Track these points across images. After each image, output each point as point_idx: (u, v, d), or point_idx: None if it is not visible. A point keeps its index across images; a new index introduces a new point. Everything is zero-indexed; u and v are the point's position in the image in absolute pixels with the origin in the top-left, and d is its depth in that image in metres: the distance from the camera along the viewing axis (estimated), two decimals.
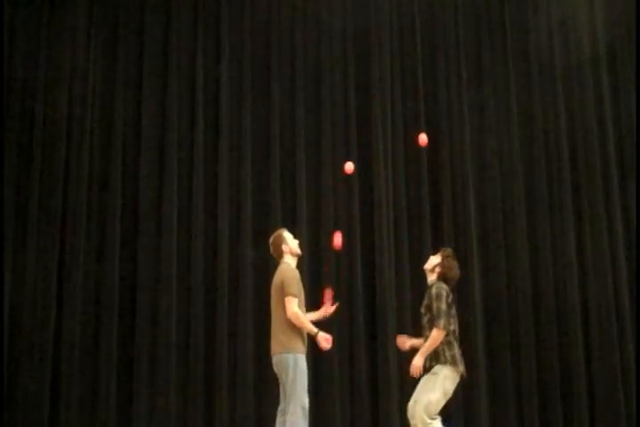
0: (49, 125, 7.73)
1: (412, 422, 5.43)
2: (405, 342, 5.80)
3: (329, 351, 7.48)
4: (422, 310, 5.61)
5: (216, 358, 7.45)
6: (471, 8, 8.62)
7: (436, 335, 5.41)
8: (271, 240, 5.78)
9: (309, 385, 7.31)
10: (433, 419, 5.37)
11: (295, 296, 5.47)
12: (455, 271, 5.71)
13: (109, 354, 7.35)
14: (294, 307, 5.44)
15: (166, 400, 7.31)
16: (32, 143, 7.66)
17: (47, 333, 7.29)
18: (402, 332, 7.66)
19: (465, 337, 7.69)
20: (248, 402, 7.42)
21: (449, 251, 5.81)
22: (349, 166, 6.53)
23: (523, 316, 7.88)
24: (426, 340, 5.49)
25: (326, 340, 5.50)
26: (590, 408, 7.77)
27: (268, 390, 7.41)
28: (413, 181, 8.15)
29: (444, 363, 5.43)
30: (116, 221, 7.65)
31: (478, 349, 7.74)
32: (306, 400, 5.39)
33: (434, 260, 5.74)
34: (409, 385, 7.58)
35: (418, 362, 5.44)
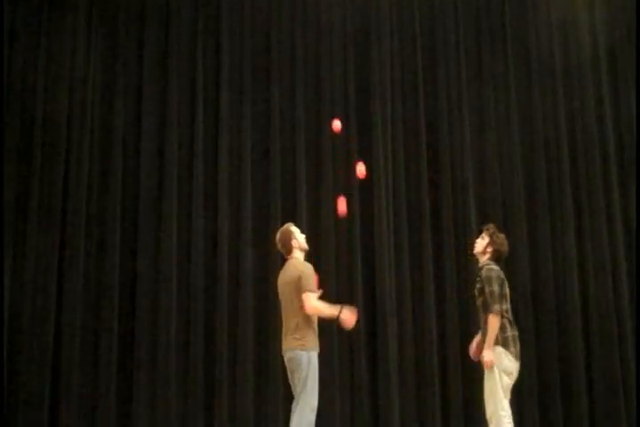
0: (49, 125, 7.72)
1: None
2: (474, 350, 5.59)
3: (329, 351, 7.53)
4: (475, 292, 5.53)
5: (216, 358, 7.45)
6: (471, 8, 8.63)
7: (493, 322, 5.33)
8: (279, 236, 5.71)
9: None
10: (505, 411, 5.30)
11: (313, 291, 5.40)
12: (506, 245, 5.64)
13: (109, 354, 7.34)
14: (313, 301, 5.37)
15: (166, 400, 7.31)
16: (32, 143, 7.65)
17: (47, 333, 7.28)
18: (402, 332, 7.71)
19: (465, 337, 7.77)
20: (248, 402, 7.42)
21: (492, 226, 5.73)
22: (337, 124, 6.44)
23: (523, 316, 7.87)
24: (484, 326, 5.41)
25: (351, 316, 5.44)
26: (590, 408, 7.77)
27: (268, 389, 7.43)
28: (413, 181, 8.15)
29: (496, 345, 5.35)
30: (116, 221, 7.64)
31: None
32: (316, 398, 5.38)
33: (481, 241, 5.65)
34: (409, 385, 7.66)
35: (488, 356, 5.34)
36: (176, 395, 7.36)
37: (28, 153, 7.64)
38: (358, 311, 5.58)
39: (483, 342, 5.47)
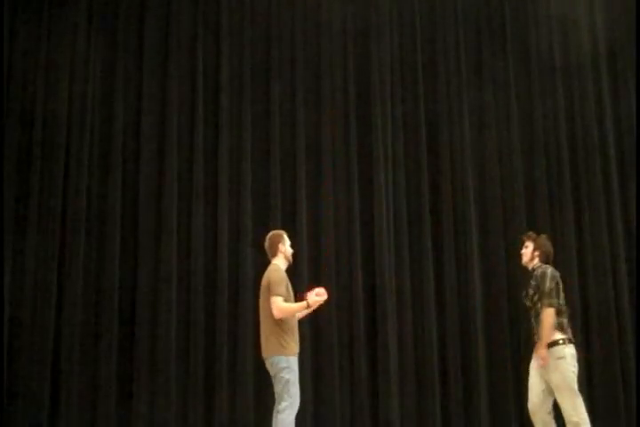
0: (49, 125, 7.72)
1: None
2: (541, 352, 5.48)
3: (329, 351, 7.54)
4: (530, 291, 5.61)
5: (216, 358, 7.45)
6: (471, 8, 8.63)
7: (548, 316, 5.42)
8: (269, 236, 5.73)
9: (310, 384, 7.39)
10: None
11: (281, 295, 5.42)
12: (550, 245, 5.77)
13: (109, 354, 7.34)
14: (280, 304, 5.39)
15: (166, 400, 7.31)
16: (32, 143, 7.65)
17: (47, 333, 7.28)
18: (402, 332, 7.71)
19: (465, 337, 7.78)
20: (248, 402, 7.42)
21: (531, 233, 5.91)
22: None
23: (523, 316, 7.87)
24: (538, 326, 5.47)
25: (318, 296, 5.45)
26: (590, 408, 7.75)
27: (268, 390, 7.41)
28: (413, 181, 8.15)
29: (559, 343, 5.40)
30: (116, 221, 7.64)
31: (478, 349, 7.74)
32: (297, 400, 5.38)
33: (526, 251, 5.77)
34: (409, 385, 7.66)
35: (543, 353, 5.40)
36: (176, 395, 7.36)
37: (28, 153, 7.64)
38: (325, 287, 5.57)
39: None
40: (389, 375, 7.54)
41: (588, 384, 7.79)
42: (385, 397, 7.53)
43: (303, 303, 5.47)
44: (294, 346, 5.49)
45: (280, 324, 5.44)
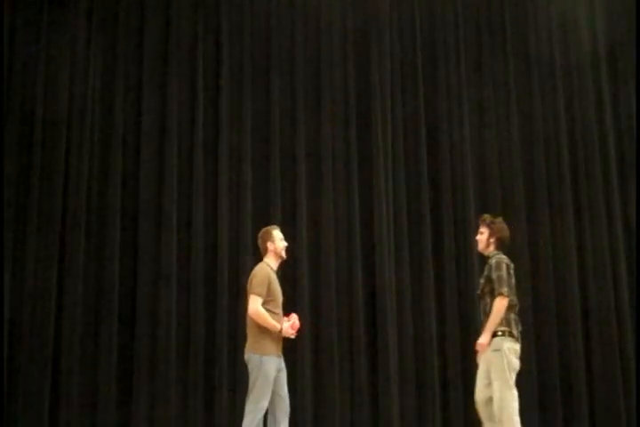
0: (49, 126, 7.72)
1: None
2: (480, 341, 5.38)
3: (329, 351, 7.53)
4: (481, 280, 5.46)
5: (216, 358, 7.45)
6: (471, 8, 8.63)
7: (500, 303, 5.24)
8: (259, 234, 5.74)
9: (310, 384, 7.39)
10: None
11: (259, 295, 5.42)
12: (506, 230, 5.54)
13: (109, 354, 7.34)
14: (256, 305, 5.39)
15: (166, 400, 7.31)
16: (32, 143, 7.64)
17: (47, 333, 7.28)
18: (402, 331, 7.71)
19: (465, 337, 7.77)
20: None
21: (486, 216, 5.65)
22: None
23: (522, 316, 7.86)
24: (488, 315, 5.31)
25: (292, 327, 5.44)
26: (590, 408, 7.77)
27: None
28: (413, 180, 8.15)
29: (503, 336, 5.27)
30: (116, 221, 7.64)
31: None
32: (266, 400, 5.32)
33: (481, 237, 5.56)
34: (409, 385, 7.66)
35: (481, 340, 5.28)
36: (176, 395, 7.35)
37: (28, 152, 7.64)
38: (300, 319, 5.57)
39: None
40: (389, 375, 7.54)
41: (588, 384, 7.79)
42: (385, 397, 7.53)
43: (277, 326, 5.43)
44: (271, 347, 5.43)
45: (258, 322, 5.41)
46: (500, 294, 5.26)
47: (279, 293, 5.59)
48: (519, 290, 7.80)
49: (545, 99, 8.48)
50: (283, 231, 5.89)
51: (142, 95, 7.97)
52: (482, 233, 5.59)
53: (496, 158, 8.30)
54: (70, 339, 7.31)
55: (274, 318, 5.47)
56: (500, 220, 5.61)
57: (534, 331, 7.87)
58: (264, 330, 5.43)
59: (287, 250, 5.79)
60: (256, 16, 8.30)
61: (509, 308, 5.33)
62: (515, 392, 5.28)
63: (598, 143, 8.35)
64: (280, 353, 5.54)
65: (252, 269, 7.53)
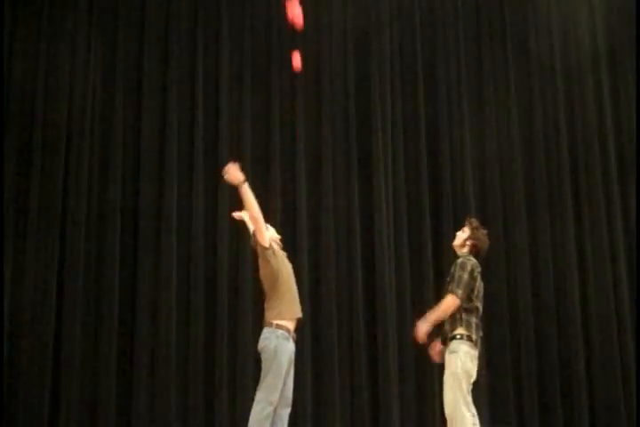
0: (49, 127, 7.71)
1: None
2: (420, 327, 5.30)
3: (329, 351, 7.53)
4: (448, 278, 5.41)
5: (216, 358, 7.45)
6: (471, 9, 8.63)
7: (449, 301, 5.19)
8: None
9: (310, 384, 7.40)
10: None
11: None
12: (486, 242, 5.51)
13: (109, 354, 7.33)
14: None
15: (166, 400, 7.31)
16: (32, 144, 7.64)
17: (47, 333, 7.27)
18: (402, 331, 7.70)
19: None
20: (248, 402, 7.38)
21: (474, 220, 5.62)
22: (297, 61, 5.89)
23: (523, 316, 7.88)
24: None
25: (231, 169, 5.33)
26: (590, 408, 7.77)
27: None
28: (413, 180, 8.15)
29: (461, 340, 5.21)
30: (116, 221, 7.64)
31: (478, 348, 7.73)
32: (275, 393, 5.16)
33: (462, 235, 5.52)
34: (409, 385, 7.66)
35: (422, 328, 5.20)
36: (176, 395, 7.35)
37: (28, 153, 7.64)
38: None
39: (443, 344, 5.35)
40: (389, 375, 7.54)
41: (588, 384, 7.79)
42: (385, 397, 7.54)
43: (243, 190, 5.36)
44: (291, 313, 5.20)
45: (276, 287, 5.25)
46: (453, 293, 5.23)
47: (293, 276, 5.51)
48: (517, 291, 7.93)
49: (545, 99, 8.48)
50: (283, 231, 5.88)
51: (142, 95, 7.97)
52: (464, 232, 5.56)
53: (496, 158, 8.30)
54: (70, 339, 7.31)
55: (284, 284, 5.32)
56: (484, 231, 5.58)
57: (534, 331, 7.87)
58: (282, 294, 5.23)
59: (287, 243, 5.75)
60: (256, 16, 8.30)
61: (471, 311, 5.27)
62: (468, 397, 5.17)
63: (598, 143, 8.35)
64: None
65: (251, 269, 7.63)
